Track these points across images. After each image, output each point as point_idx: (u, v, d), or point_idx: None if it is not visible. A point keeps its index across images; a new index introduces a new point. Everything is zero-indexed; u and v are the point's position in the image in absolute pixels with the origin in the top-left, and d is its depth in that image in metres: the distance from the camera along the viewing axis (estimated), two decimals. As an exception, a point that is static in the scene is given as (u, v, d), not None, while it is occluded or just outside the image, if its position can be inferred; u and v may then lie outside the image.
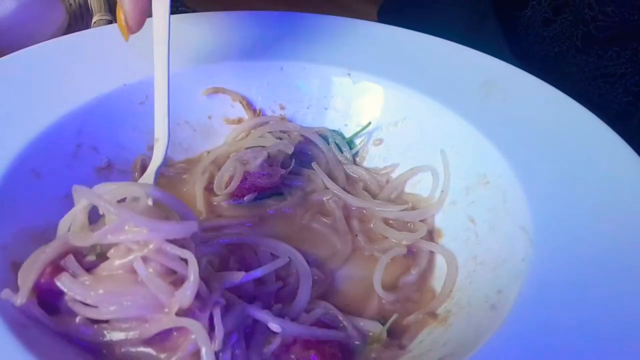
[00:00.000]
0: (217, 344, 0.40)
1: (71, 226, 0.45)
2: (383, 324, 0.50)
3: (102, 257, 0.43)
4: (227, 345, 0.43)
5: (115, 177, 0.61)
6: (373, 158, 0.68)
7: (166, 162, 0.56)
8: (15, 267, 0.45)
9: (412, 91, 0.64)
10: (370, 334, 0.49)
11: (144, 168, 0.64)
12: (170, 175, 0.65)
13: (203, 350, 0.39)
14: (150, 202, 0.44)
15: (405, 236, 0.58)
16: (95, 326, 0.42)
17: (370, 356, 0.48)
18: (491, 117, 0.60)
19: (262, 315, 0.46)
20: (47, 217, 0.53)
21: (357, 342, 0.49)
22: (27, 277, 0.42)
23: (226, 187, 0.61)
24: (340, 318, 0.50)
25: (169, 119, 0.55)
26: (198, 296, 0.41)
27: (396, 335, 0.50)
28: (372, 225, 0.61)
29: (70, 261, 0.42)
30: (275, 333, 0.45)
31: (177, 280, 0.42)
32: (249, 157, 0.61)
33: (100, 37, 0.70)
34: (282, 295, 0.52)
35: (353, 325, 0.49)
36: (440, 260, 0.57)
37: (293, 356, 0.45)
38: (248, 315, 0.46)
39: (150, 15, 0.55)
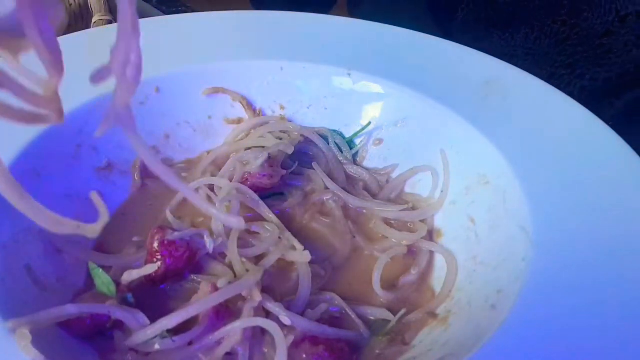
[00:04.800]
0: None
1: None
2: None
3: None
4: (244, 340, 0.44)
5: (115, 177, 0.62)
6: (373, 158, 0.68)
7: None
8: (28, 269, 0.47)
9: (412, 91, 0.64)
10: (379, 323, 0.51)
11: (143, 168, 0.64)
12: (170, 175, 0.65)
13: (280, 350, 0.43)
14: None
15: (405, 236, 0.58)
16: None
17: (375, 352, 0.48)
18: (491, 117, 0.60)
19: (274, 307, 0.47)
20: (47, 217, 0.53)
21: (364, 336, 0.49)
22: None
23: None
24: (347, 309, 0.51)
25: None
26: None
27: (399, 333, 0.50)
28: (372, 225, 0.61)
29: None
30: (287, 328, 0.46)
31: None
32: (250, 158, 0.61)
33: (100, 37, 0.70)
34: (284, 291, 0.52)
35: (357, 315, 0.51)
36: (440, 260, 0.57)
37: (304, 355, 0.45)
38: (262, 308, 0.47)
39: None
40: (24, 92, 0.32)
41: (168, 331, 0.44)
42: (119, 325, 0.46)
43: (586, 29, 0.75)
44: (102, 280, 0.49)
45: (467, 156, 0.59)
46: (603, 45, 0.74)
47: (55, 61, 0.33)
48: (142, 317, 0.45)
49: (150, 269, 0.49)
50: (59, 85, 0.34)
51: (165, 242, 0.51)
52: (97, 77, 0.34)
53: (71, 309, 0.43)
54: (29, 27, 0.31)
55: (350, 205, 0.62)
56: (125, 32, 0.33)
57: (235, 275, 0.51)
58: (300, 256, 0.53)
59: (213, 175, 0.63)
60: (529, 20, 0.79)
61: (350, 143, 0.69)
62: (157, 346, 0.44)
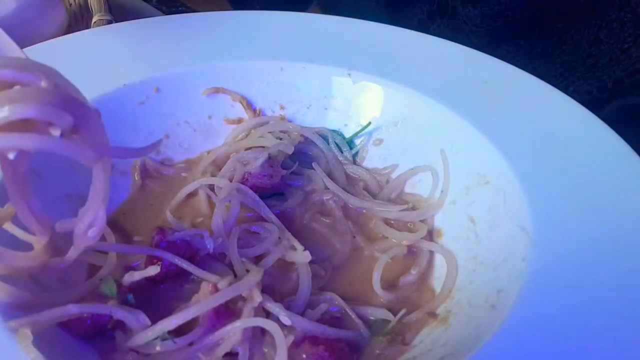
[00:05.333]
0: None
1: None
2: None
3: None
4: (245, 340, 0.45)
5: (115, 177, 0.61)
6: (373, 158, 0.68)
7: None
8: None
9: (412, 91, 0.64)
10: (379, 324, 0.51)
11: (143, 168, 0.64)
12: (170, 175, 0.65)
13: (280, 350, 0.43)
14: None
15: (405, 236, 0.58)
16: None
17: (375, 352, 0.48)
18: (491, 117, 0.60)
19: (274, 307, 0.47)
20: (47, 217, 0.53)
21: (364, 336, 0.49)
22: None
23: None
24: (347, 309, 0.51)
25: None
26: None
27: (399, 333, 0.50)
28: (372, 225, 0.61)
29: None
30: (287, 328, 0.46)
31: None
32: (250, 158, 0.61)
33: (100, 37, 0.70)
34: (284, 291, 0.53)
35: (357, 315, 0.51)
36: (440, 260, 0.57)
37: (304, 355, 0.45)
38: (262, 308, 0.47)
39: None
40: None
41: (168, 332, 0.44)
42: (120, 325, 0.46)
43: (578, 32, 0.75)
44: (104, 281, 0.49)
45: (467, 156, 0.59)
46: (592, 55, 0.75)
47: (43, 229, 0.40)
48: (144, 318, 0.45)
49: (152, 271, 0.49)
50: (46, 242, 0.41)
51: (165, 242, 0.51)
52: (61, 226, 0.40)
53: (73, 309, 0.43)
54: (21, 209, 0.38)
55: (350, 205, 0.62)
56: (96, 202, 0.40)
57: (235, 276, 0.51)
58: (300, 256, 0.53)
59: (213, 175, 0.63)
60: (518, 33, 0.80)
61: (350, 143, 0.69)
62: (158, 348, 0.44)
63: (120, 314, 0.45)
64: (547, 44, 0.79)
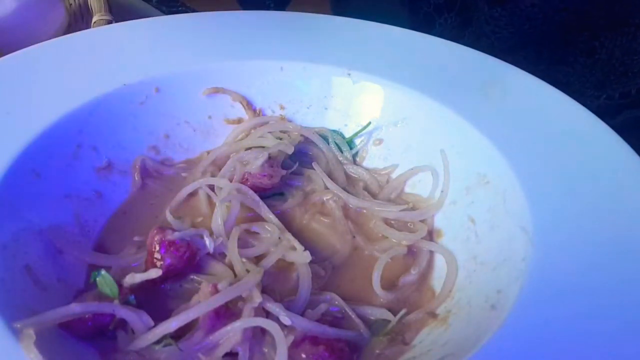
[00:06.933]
0: None
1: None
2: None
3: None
4: (245, 340, 0.45)
5: (115, 177, 0.61)
6: (373, 158, 0.68)
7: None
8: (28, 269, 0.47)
9: (412, 91, 0.64)
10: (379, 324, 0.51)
11: (143, 168, 0.64)
12: (170, 175, 0.65)
13: (280, 349, 0.43)
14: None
15: (405, 236, 0.58)
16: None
17: (375, 352, 0.48)
18: (491, 117, 0.60)
19: (274, 307, 0.47)
20: (47, 217, 0.53)
21: (364, 336, 0.49)
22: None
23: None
24: (347, 309, 0.51)
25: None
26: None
27: (399, 333, 0.50)
28: (372, 225, 0.61)
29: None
30: (287, 328, 0.46)
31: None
32: (250, 158, 0.61)
33: (100, 37, 0.70)
34: (284, 291, 0.53)
35: (357, 315, 0.51)
36: (440, 260, 0.57)
37: (304, 355, 0.45)
38: (262, 308, 0.47)
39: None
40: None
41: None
42: (122, 325, 0.46)
43: (612, 41, 0.74)
44: (106, 282, 0.48)
45: (467, 156, 0.59)
46: (624, 64, 0.74)
47: None
48: (147, 319, 0.45)
49: (154, 273, 0.48)
50: None
51: (165, 242, 0.51)
52: None
53: (76, 308, 0.43)
54: None
55: (350, 205, 0.62)
56: None
57: (235, 276, 0.51)
58: (301, 257, 0.53)
59: (213, 175, 0.63)
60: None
61: (350, 143, 0.69)
62: (163, 355, 0.44)
63: (124, 313, 0.44)
64: (570, 51, 0.78)
